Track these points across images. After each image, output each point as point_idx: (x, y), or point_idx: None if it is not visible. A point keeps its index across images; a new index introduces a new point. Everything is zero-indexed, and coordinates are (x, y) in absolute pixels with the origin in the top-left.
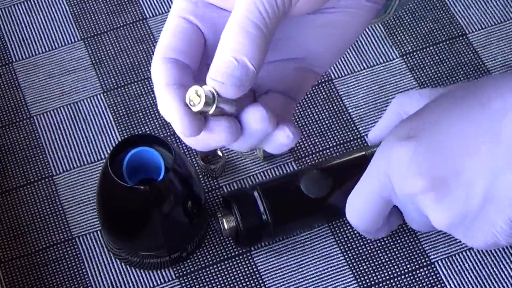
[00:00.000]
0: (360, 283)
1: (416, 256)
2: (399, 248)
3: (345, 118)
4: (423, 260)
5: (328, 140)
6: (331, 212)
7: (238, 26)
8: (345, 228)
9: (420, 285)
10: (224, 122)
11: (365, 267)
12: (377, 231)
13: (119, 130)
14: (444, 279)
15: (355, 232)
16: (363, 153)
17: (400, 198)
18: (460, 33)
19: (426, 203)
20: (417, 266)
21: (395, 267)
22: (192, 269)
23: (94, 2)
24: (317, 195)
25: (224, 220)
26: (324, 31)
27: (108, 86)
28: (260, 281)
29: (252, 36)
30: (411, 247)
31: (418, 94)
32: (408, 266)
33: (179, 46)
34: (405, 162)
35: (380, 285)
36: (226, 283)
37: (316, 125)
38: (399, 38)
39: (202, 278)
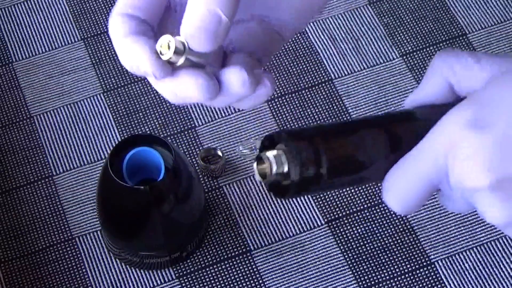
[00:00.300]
0: (360, 283)
1: (416, 256)
2: (399, 248)
3: (345, 118)
4: (423, 260)
5: None
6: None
7: None
8: (345, 228)
9: (420, 285)
10: (201, 79)
11: (365, 267)
12: None
13: (119, 130)
14: (444, 279)
15: (355, 232)
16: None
17: (453, 186)
18: (460, 33)
19: (487, 200)
20: (417, 266)
21: (395, 267)
22: (192, 269)
23: (94, 2)
24: (376, 157)
25: (273, 161)
26: None
27: (108, 86)
28: (260, 281)
29: None
30: (411, 247)
31: (472, 61)
32: (408, 266)
33: (136, 2)
34: (473, 154)
35: (380, 285)
36: (226, 283)
37: None
38: (399, 38)
39: (202, 278)
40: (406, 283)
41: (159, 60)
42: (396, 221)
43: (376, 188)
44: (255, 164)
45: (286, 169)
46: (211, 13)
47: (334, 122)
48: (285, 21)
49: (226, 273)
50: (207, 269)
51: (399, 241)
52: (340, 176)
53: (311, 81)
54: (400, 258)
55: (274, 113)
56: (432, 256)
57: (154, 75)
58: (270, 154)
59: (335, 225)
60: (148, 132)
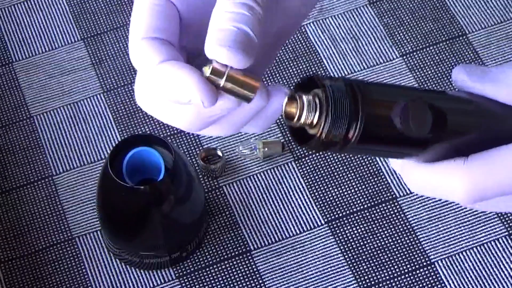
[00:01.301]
0: (360, 283)
1: (416, 256)
2: (399, 248)
3: None
4: (423, 260)
5: None
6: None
7: None
8: (345, 228)
9: (420, 285)
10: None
11: (365, 267)
12: None
13: (119, 130)
14: (444, 279)
15: (355, 232)
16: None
17: None
18: (460, 33)
19: None
20: (417, 266)
21: (395, 267)
22: (192, 269)
23: (94, 2)
24: (419, 131)
25: (305, 105)
26: None
27: (108, 86)
28: (260, 281)
29: (248, 6)
30: (411, 247)
31: None
32: (408, 266)
33: (159, 24)
34: None
35: (380, 285)
36: (226, 283)
37: None
38: (399, 38)
39: (202, 278)
40: (406, 283)
41: (209, 85)
42: (396, 221)
43: (376, 188)
44: (284, 102)
45: (316, 119)
46: (240, 30)
47: (382, 86)
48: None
49: (226, 273)
50: (207, 269)
51: (399, 241)
52: (371, 143)
53: None
54: (400, 258)
55: None
56: (432, 256)
57: (203, 102)
58: (305, 96)
59: (335, 225)
60: (148, 132)
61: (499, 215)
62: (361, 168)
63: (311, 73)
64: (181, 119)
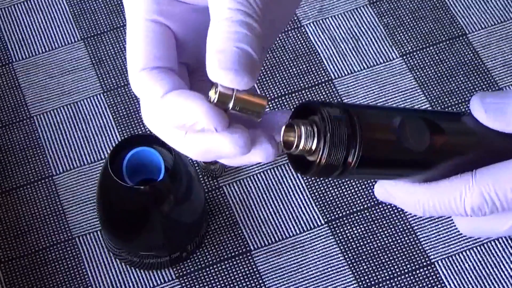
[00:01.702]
0: (360, 283)
1: (416, 256)
2: (399, 248)
3: None
4: (423, 260)
5: None
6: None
7: (227, 16)
8: (345, 228)
9: (420, 285)
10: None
11: (365, 267)
12: None
13: (119, 130)
14: (444, 279)
15: (355, 232)
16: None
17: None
18: (460, 33)
19: None
20: (417, 266)
21: (395, 267)
22: (192, 269)
23: (94, 2)
24: (418, 147)
25: (303, 132)
26: None
27: (108, 86)
28: (260, 281)
29: (247, 24)
30: (411, 247)
31: None
32: (408, 266)
33: (156, 52)
34: None
35: (380, 285)
36: (226, 283)
37: None
38: (399, 38)
39: (202, 278)
40: (406, 283)
41: (218, 111)
42: (396, 221)
43: None
44: (282, 131)
45: (314, 146)
46: (242, 50)
47: (378, 109)
48: None
49: (226, 273)
50: (207, 269)
51: (399, 241)
52: (370, 168)
53: (311, 81)
54: (400, 258)
55: None
56: (432, 256)
57: (216, 129)
58: (302, 124)
59: (335, 225)
60: (148, 132)
61: None
62: None
63: (310, 73)
64: (192, 149)
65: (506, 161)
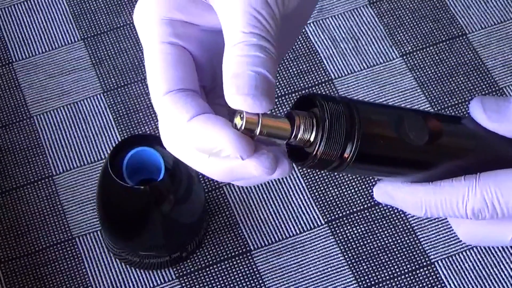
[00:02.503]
0: (360, 283)
1: (416, 256)
2: (399, 248)
3: None
4: (423, 260)
5: None
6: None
7: (242, 40)
8: (345, 228)
9: (420, 285)
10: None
11: (365, 267)
12: None
13: (119, 130)
14: (444, 279)
15: (355, 232)
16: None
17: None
18: (460, 33)
19: None
20: (417, 266)
21: (395, 267)
22: (192, 269)
23: (94, 2)
24: (416, 143)
25: (301, 123)
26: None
27: (108, 86)
28: (260, 281)
29: (262, 47)
30: (411, 247)
31: None
32: (408, 266)
33: (178, 74)
34: None
35: (380, 285)
36: (226, 283)
37: None
38: (399, 38)
39: (202, 278)
40: (406, 283)
41: (245, 138)
42: (396, 221)
43: None
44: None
45: (313, 137)
46: (259, 74)
47: (378, 106)
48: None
49: (226, 273)
50: (207, 269)
51: (399, 241)
52: (367, 163)
53: (311, 81)
54: (400, 258)
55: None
56: (432, 256)
57: (241, 157)
58: (302, 115)
59: (335, 225)
60: (148, 132)
61: None
62: None
63: (310, 73)
64: (215, 172)
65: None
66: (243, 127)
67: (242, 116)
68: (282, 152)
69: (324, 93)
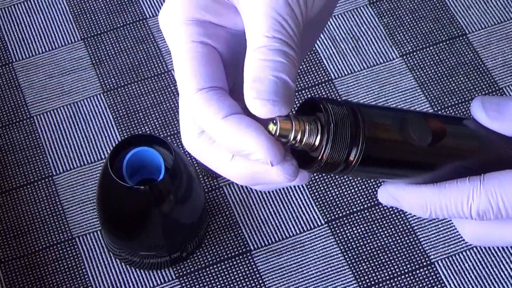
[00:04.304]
0: (360, 283)
1: (416, 256)
2: (399, 248)
3: None
4: (423, 260)
5: None
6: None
7: (265, 44)
8: (345, 228)
9: (420, 285)
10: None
11: (365, 267)
12: None
13: (119, 130)
14: (444, 279)
15: (355, 232)
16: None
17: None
18: (460, 33)
19: None
20: (417, 266)
21: (395, 267)
22: (192, 269)
23: (94, 2)
24: (420, 144)
25: (307, 127)
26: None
27: (108, 86)
28: (260, 281)
29: (285, 53)
30: (411, 247)
31: None
32: (408, 266)
33: (208, 71)
34: None
35: (380, 285)
36: (226, 283)
37: None
38: (399, 38)
39: (202, 278)
40: (406, 283)
41: (278, 145)
42: (396, 221)
43: (376, 188)
44: (278, 121)
45: (318, 142)
46: (279, 79)
47: (382, 109)
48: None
49: (226, 273)
50: (207, 269)
51: (399, 241)
52: (372, 166)
53: (311, 81)
54: (400, 258)
55: None
56: (432, 256)
57: (271, 163)
58: (306, 120)
59: (335, 225)
60: (148, 132)
61: None
62: None
63: (310, 73)
64: (236, 175)
65: None
66: (277, 133)
67: (275, 122)
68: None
69: (324, 93)
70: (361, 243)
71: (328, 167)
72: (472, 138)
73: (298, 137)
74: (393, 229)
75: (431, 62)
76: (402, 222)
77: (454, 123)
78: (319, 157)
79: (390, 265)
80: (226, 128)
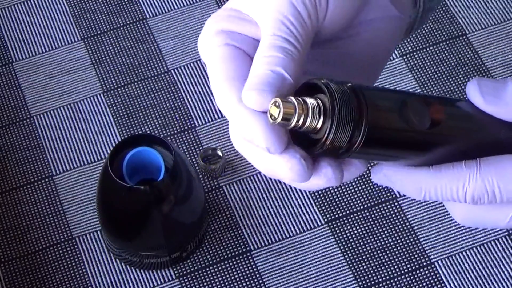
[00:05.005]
0: (360, 283)
1: (416, 256)
2: (399, 248)
3: None
4: (423, 260)
5: None
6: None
7: (268, 42)
8: (345, 228)
9: (420, 285)
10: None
11: (365, 267)
12: None
13: (119, 130)
14: (444, 279)
15: (355, 232)
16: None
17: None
18: (460, 33)
19: None
20: (417, 266)
21: (395, 267)
22: (192, 269)
23: (94, 2)
24: (420, 126)
25: (310, 109)
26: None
27: (108, 86)
28: (260, 281)
29: (284, 49)
30: (411, 247)
31: None
32: (408, 266)
33: (244, 72)
34: None
35: (380, 285)
36: (226, 283)
37: None
38: None
39: (202, 278)
40: (406, 283)
41: (276, 131)
42: (396, 221)
43: (376, 188)
44: (281, 103)
45: (320, 124)
46: (275, 72)
47: (383, 91)
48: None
49: (226, 273)
50: (207, 269)
51: (399, 241)
52: (373, 148)
53: None
54: (400, 258)
55: None
56: (432, 256)
57: (269, 149)
58: (309, 102)
59: (335, 225)
60: (148, 132)
61: None
62: None
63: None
64: (260, 167)
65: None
66: (280, 116)
67: (277, 104)
68: (329, 159)
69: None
70: (361, 243)
71: (330, 150)
72: (469, 121)
73: (301, 120)
74: (393, 229)
75: (431, 62)
76: (402, 222)
77: (452, 106)
78: (323, 140)
79: (390, 265)
80: (237, 113)
